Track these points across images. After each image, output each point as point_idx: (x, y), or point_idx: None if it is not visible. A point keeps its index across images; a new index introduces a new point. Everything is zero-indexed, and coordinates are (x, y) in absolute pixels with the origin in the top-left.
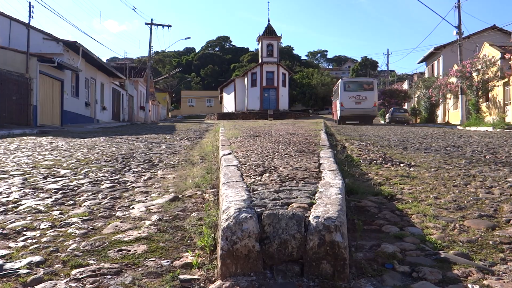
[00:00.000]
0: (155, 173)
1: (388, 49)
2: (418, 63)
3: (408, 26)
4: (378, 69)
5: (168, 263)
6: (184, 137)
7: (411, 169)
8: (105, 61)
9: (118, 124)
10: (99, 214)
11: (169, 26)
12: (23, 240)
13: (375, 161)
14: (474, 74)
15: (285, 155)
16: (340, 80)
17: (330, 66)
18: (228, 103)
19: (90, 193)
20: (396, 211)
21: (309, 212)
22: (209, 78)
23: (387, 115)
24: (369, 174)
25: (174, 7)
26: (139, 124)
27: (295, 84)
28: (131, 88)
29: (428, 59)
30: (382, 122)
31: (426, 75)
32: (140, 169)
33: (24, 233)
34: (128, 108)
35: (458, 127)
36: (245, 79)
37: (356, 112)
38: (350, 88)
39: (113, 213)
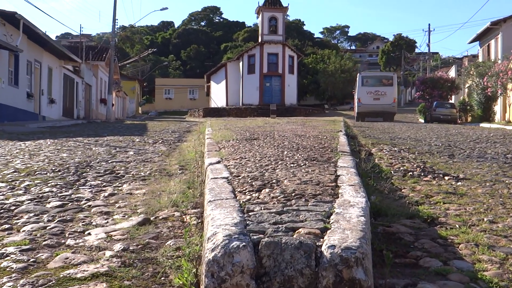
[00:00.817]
0: (120, 188)
1: (429, 25)
2: (469, 42)
3: None
4: (417, 50)
5: None
6: (158, 140)
7: (459, 183)
8: (54, 38)
9: (71, 122)
10: (44, 243)
11: None
12: None
13: (411, 173)
14: None
15: (292, 165)
16: (358, 74)
17: (353, 47)
18: (218, 95)
19: (32, 214)
20: (438, 239)
21: (321, 240)
22: (192, 62)
23: (428, 111)
24: (402, 190)
25: None
26: (99, 122)
27: (306, 71)
28: (88, 74)
29: (482, 37)
30: (422, 120)
31: (480, 59)
32: (99, 182)
33: None
34: (85, 101)
35: None
36: (240, 63)
37: (375, 108)
38: (369, 83)
39: (63, 241)
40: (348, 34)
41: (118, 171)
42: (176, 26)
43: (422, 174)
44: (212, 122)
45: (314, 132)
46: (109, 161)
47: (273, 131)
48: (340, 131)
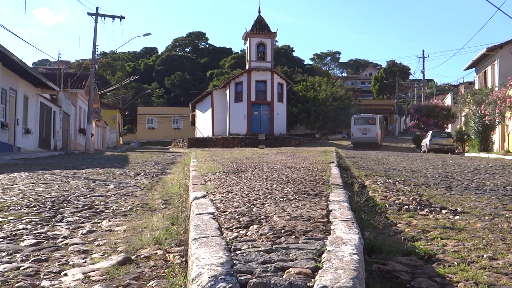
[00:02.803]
0: (99, 224)
1: (423, 51)
2: (465, 69)
3: (451, 19)
4: (411, 77)
5: None
6: (140, 173)
7: (457, 217)
8: (31, 65)
9: (47, 153)
10: (17, 285)
11: (121, 17)
12: None
13: (406, 206)
14: None
15: (281, 199)
16: (352, 116)
17: (345, 74)
18: (203, 124)
19: (4, 254)
20: (436, 278)
21: (313, 280)
22: (176, 90)
23: (424, 140)
24: (398, 225)
25: None
26: (78, 153)
27: (296, 99)
28: (67, 103)
29: (478, 64)
30: (418, 151)
31: (477, 86)
32: (77, 218)
33: None
34: (63, 131)
35: None
36: (227, 91)
37: (363, 140)
38: (359, 122)
39: (37, 283)
40: (340, 61)
41: (98, 206)
42: (159, 52)
43: (418, 207)
44: (197, 153)
45: (305, 163)
46: (88, 196)
47: (262, 163)
48: (332, 162)
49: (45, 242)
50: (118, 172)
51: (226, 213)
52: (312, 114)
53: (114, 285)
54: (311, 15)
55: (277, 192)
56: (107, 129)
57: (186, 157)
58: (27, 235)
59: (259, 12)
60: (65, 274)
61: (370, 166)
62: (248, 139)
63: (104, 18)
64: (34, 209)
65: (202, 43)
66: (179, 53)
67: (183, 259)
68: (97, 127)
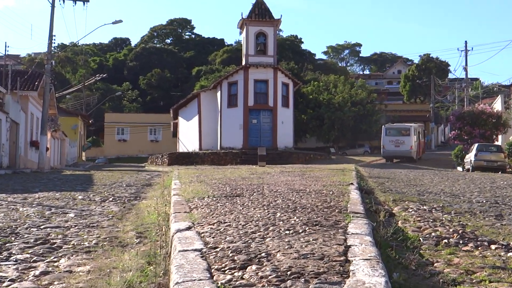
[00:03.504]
0: (56, 264)
1: (466, 43)
2: None
3: (501, 3)
4: (450, 75)
5: None
6: (108, 197)
7: (510, 254)
8: None
9: None
10: None
11: (85, 0)
12: None
13: (445, 240)
14: None
15: (287, 231)
16: (382, 126)
17: (367, 71)
18: (188, 135)
19: None
20: None
21: None
22: (154, 92)
23: (468, 156)
24: (435, 264)
25: None
26: (29, 172)
27: (305, 103)
28: (15, 108)
29: None
30: (459, 168)
31: None
32: (28, 256)
33: None
34: (10, 144)
35: None
36: (218, 93)
37: (396, 153)
38: (391, 133)
39: None
40: (360, 55)
41: (54, 241)
42: (133, 44)
43: (461, 241)
44: (180, 172)
45: (317, 185)
46: (42, 227)
47: (262, 185)
48: (351, 183)
49: None
50: (80, 197)
51: (218, 249)
52: (326, 123)
53: None
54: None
55: (281, 222)
56: (66, 141)
57: (167, 177)
58: None
59: None
60: None
61: (400, 189)
62: (244, 155)
63: (63, 1)
64: None
65: (187, 33)
66: (158, 45)
67: None
68: (53, 139)
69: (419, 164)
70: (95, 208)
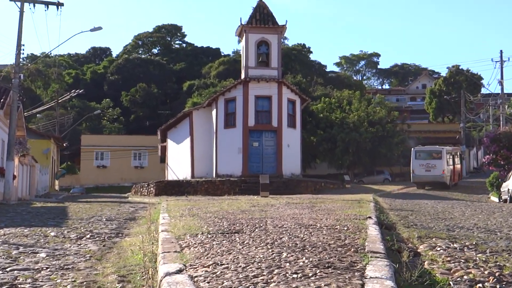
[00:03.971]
0: None
1: (501, 52)
2: None
3: None
4: (483, 90)
5: None
6: (85, 234)
7: None
8: None
9: None
10: None
11: (59, 4)
12: None
13: (480, 285)
14: None
15: (294, 275)
16: (412, 149)
17: (386, 86)
18: (178, 161)
19: None
20: None
21: None
22: (139, 110)
23: (505, 184)
24: None
25: None
26: None
27: (315, 123)
28: None
29: None
30: (495, 199)
31: None
32: None
33: None
34: None
35: None
36: (213, 112)
37: (427, 178)
38: (421, 156)
39: None
40: (379, 66)
41: (22, 286)
42: (114, 55)
43: (498, 286)
44: (170, 203)
45: (329, 219)
46: (8, 269)
47: (265, 219)
48: (369, 217)
49: None
50: (52, 234)
51: None
52: (339, 146)
53: None
54: (335, 1)
55: (288, 264)
56: (36, 168)
57: (154, 210)
58: None
59: None
60: None
61: (426, 223)
62: (244, 183)
63: (34, 5)
64: None
65: (177, 41)
66: (143, 56)
67: None
68: (21, 165)
69: (452, 191)
70: (70, 246)
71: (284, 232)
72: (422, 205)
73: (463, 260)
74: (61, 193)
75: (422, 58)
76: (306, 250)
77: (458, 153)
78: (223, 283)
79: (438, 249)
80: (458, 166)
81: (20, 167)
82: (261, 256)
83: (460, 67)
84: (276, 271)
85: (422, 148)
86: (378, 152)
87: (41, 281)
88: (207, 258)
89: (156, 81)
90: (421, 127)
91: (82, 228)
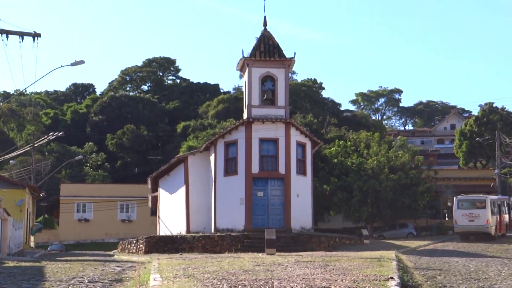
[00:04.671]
0: None
1: None
2: None
3: None
4: None
5: None
6: None
7: None
8: None
9: None
10: None
11: (35, 35)
12: None
13: None
14: None
15: None
16: (454, 198)
17: (409, 126)
18: (172, 213)
19: None
20: None
21: None
22: (126, 155)
23: None
24: None
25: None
26: None
27: (328, 169)
28: None
29: None
30: None
31: None
32: None
33: None
34: None
35: None
36: (212, 157)
37: (470, 229)
38: (464, 206)
39: None
40: (401, 104)
41: None
42: (98, 92)
43: None
44: (162, 262)
45: (345, 281)
46: None
47: (272, 280)
48: (391, 278)
49: None
50: None
51: None
52: (356, 195)
53: None
54: (350, 31)
55: None
56: (8, 222)
57: (143, 269)
58: None
59: (265, 24)
60: None
61: (456, 285)
62: (247, 239)
63: (7, 36)
64: None
65: (170, 77)
66: (131, 94)
67: None
68: None
69: (498, 243)
70: None
71: None
72: (452, 263)
73: None
74: (37, 250)
75: (451, 95)
76: None
77: (505, 203)
78: None
79: None
80: (505, 216)
81: None
82: None
83: (494, 105)
84: None
85: (465, 197)
86: (401, 203)
87: None
88: None
89: (146, 122)
90: (450, 173)
91: None
